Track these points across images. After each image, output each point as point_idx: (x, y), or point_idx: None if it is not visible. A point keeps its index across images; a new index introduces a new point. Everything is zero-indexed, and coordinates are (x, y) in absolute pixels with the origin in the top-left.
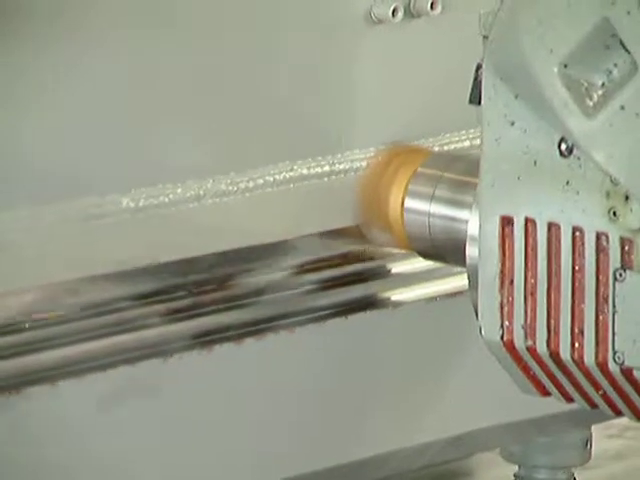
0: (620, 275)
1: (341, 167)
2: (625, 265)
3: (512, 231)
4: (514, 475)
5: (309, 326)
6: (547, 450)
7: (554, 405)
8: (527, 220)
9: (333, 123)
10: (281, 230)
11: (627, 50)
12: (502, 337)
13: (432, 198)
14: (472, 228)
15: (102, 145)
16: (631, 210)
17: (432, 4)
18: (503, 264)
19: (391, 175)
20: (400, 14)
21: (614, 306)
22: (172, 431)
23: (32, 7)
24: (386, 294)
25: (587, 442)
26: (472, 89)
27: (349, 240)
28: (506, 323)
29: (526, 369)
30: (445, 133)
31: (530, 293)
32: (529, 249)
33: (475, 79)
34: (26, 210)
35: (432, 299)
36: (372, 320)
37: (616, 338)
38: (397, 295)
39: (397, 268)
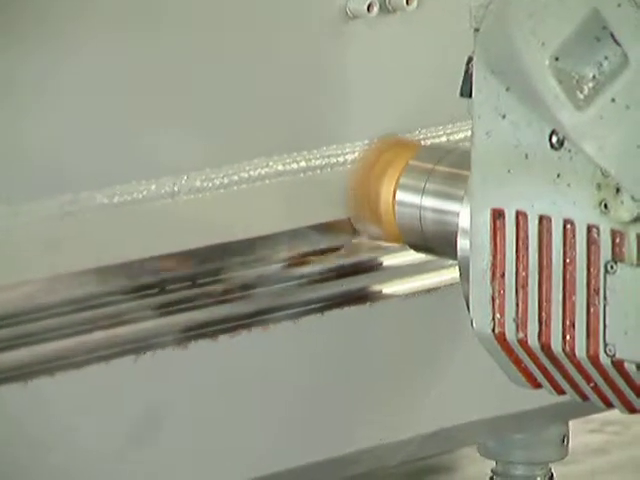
0: (611, 267)
1: (332, 161)
2: (616, 257)
3: (503, 224)
4: (491, 471)
5: (301, 319)
6: (524, 446)
7: (531, 400)
8: (518, 213)
9: (315, 117)
10: (271, 223)
11: (618, 43)
12: (493, 330)
13: (423, 191)
14: (463, 221)
15: (78, 142)
16: (622, 202)
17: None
18: (494, 257)
19: (382, 168)
20: (376, 9)
21: (605, 298)
22: (164, 426)
23: (21, 5)
24: (377, 287)
25: (564, 438)
26: (463, 82)
27: (340, 233)
28: (497, 316)
29: (517, 361)
30: (422, 128)
31: (521, 286)
32: (520, 242)
33: (466, 72)
34: (2, 207)
35: (423, 292)
36: (357, 314)
37: (607, 330)
38: (388, 288)
39: (388, 261)
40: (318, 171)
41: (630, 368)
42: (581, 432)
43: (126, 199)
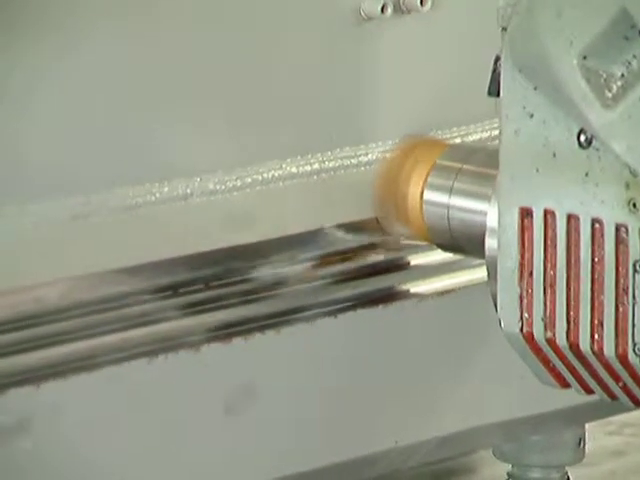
0: None
1: (358, 160)
2: None
3: (531, 223)
4: (507, 474)
5: (325, 319)
6: (540, 449)
7: (547, 403)
8: (546, 212)
9: (335, 119)
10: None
11: None
12: (521, 329)
13: (451, 190)
14: (491, 220)
15: (87, 144)
16: None
17: (422, 0)
18: (522, 256)
19: (410, 167)
20: (389, 10)
21: (634, 297)
22: (177, 427)
23: (19, 3)
24: (405, 286)
25: (580, 441)
26: (491, 81)
27: (368, 232)
28: (525, 315)
29: (545, 361)
30: (438, 129)
31: (549, 285)
32: (548, 241)
33: (494, 71)
34: (13, 209)
35: (450, 292)
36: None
37: (636, 330)
38: (416, 287)
39: (416, 260)
40: (342, 171)
41: None
42: (599, 434)
43: (138, 201)
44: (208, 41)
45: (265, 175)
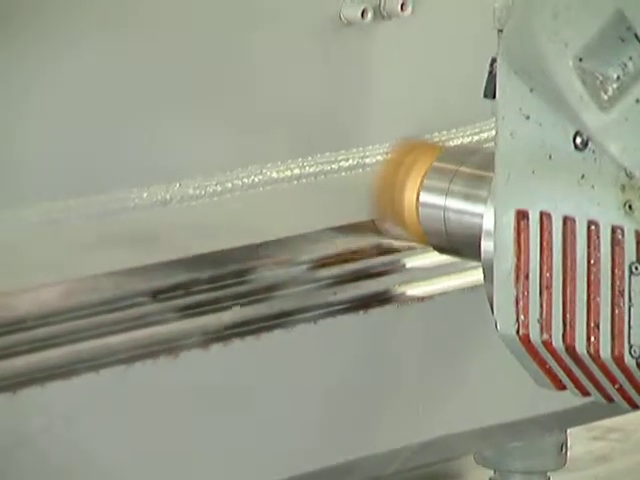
0: (636, 268)
1: (338, 166)
2: None
3: (527, 225)
4: (489, 479)
5: (324, 321)
6: (522, 455)
7: (528, 409)
8: (542, 214)
9: (315, 124)
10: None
11: None
12: (518, 331)
13: (447, 192)
14: (487, 222)
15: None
16: None
17: (402, 5)
18: (518, 258)
19: (407, 169)
20: (370, 15)
21: (630, 300)
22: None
23: (16, 5)
24: (400, 289)
25: (562, 446)
26: (487, 83)
27: (364, 235)
28: (522, 317)
29: (542, 363)
30: (421, 134)
31: (545, 287)
32: (544, 243)
33: (490, 73)
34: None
35: (447, 294)
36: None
37: (632, 332)
38: (411, 290)
39: (412, 263)
40: (322, 176)
41: None
42: (584, 439)
43: (116, 207)
44: (188, 46)
45: (245, 180)
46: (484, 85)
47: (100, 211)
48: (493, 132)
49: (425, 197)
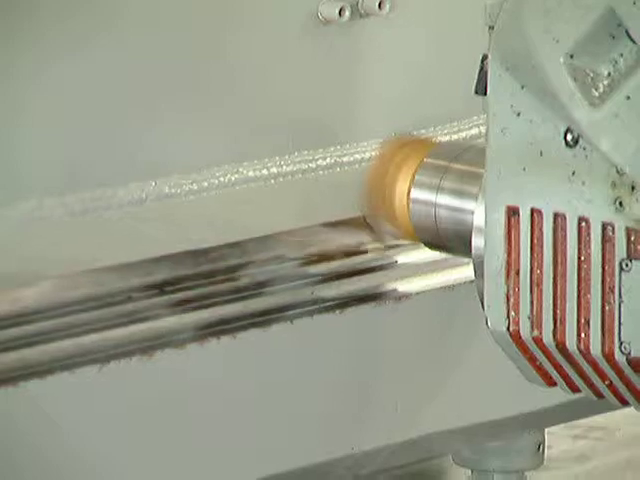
0: (626, 265)
1: (316, 164)
2: (631, 255)
3: (518, 222)
4: (467, 479)
5: (313, 318)
6: (500, 454)
7: (506, 408)
8: (533, 211)
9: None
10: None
11: (633, 40)
12: (508, 328)
13: (438, 189)
14: (478, 219)
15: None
16: (637, 200)
17: (380, 3)
18: (509, 255)
19: (398, 165)
20: (347, 13)
21: (620, 296)
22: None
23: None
24: (392, 285)
25: (540, 446)
26: (478, 80)
27: (355, 231)
28: (512, 314)
29: (532, 359)
30: (399, 133)
31: (536, 284)
32: (535, 240)
33: (481, 70)
34: None
35: (438, 290)
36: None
37: (622, 328)
38: (403, 286)
39: (403, 259)
40: (299, 175)
41: None
42: (565, 438)
43: (91, 206)
44: (163, 46)
45: (222, 179)
46: (475, 82)
47: (76, 209)
48: (474, 130)
49: (416, 193)
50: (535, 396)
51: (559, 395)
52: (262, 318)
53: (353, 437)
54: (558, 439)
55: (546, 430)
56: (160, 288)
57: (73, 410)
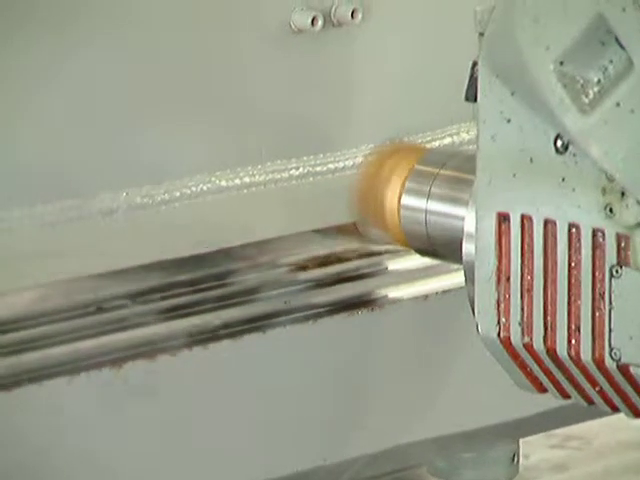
0: (616, 271)
1: (289, 174)
2: (621, 261)
3: (508, 228)
4: None
5: (304, 324)
6: (474, 465)
7: (480, 419)
8: (523, 217)
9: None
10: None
11: (622, 47)
12: (499, 334)
13: (429, 195)
14: (469, 225)
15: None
16: (627, 206)
17: (353, 13)
18: (499, 261)
19: (388, 172)
20: (320, 23)
21: (610, 302)
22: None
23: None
24: (382, 291)
25: (514, 456)
26: (468, 86)
27: (345, 238)
28: (503, 320)
29: (523, 366)
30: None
31: (527, 290)
32: (525, 246)
33: (471, 76)
34: None
35: (429, 296)
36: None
37: (613, 334)
38: (393, 292)
39: (393, 265)
40: (272, 185)
41: (635, 372)
42: (542, 447)
43: (60, 218)
44: (129, 56)
45: (194, 189)
46: (465, 88)
47: (46, 221)
48: (447, 140)
49: (406, 199)
50: (509, 406)
51: (533, 405)
52: (227, 331)
53: (324, 449)
54: (535, 449)
55: (523, 440)
56: (131, 299)
57: (42, 423)
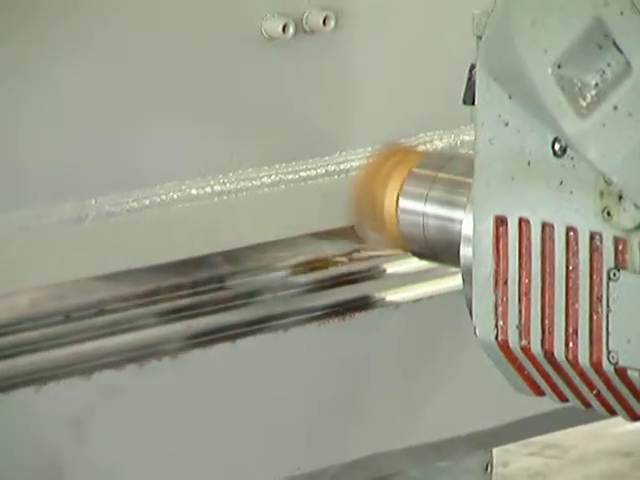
0: (614, 275)
1: (261, 182)
2: (619, 265)
3: (506, 231)
4: None
5: (304, 327)
6: (447, 474)
7: (452, 428)
8: (521, 220)
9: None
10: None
11: (620, 50)
12: (496, 337)
13: (426, 198)
14: (466, 228)
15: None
16: (625, 210)
17: (325, 20)
18: (497, 264)
19: (386, 175)
20: (291, 30)
21: (608, 306)
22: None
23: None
24: (380, 294)
25: (487, 465)
26: (466, 89)
27: (344, 241)
28: (500, 323)
29: (520, 369)
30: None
31: (524, 293)
32: (523, 249)
33: (469, 79)
34: None
35: (426, 299)
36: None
37: (610, 338)
38: (391, 295)
39: (391, 268)
40: (244, 193)
41: (633, 375)
42: (520, 455)
43: (32, 223)
44: (101, 64)
45: (164, 197)
46: (463, 91)
47: (17, 227)
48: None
49: (404, 203)
50: (483, 415)
51: (508, 414)
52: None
53: (298, 458)
54: (513, 457)
55: (502, 448)
56: (99, 308)
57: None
